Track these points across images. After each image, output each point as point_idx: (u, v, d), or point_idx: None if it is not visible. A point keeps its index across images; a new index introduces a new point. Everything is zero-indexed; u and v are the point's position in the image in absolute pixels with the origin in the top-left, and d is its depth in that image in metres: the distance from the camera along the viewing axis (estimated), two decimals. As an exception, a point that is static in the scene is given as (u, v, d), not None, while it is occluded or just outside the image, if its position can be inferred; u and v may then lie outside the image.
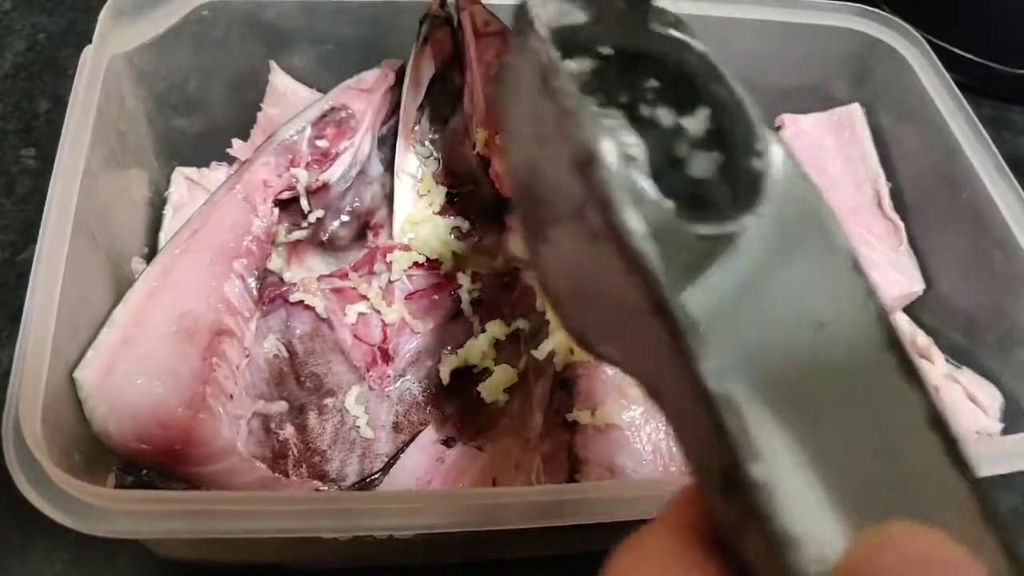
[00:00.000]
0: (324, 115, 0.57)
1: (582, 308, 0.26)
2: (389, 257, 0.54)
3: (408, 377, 0.52)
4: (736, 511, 0.19)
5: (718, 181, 0.23)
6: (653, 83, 0.24)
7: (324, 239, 0.57)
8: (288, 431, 0.49)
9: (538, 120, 0.24)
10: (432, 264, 0.55)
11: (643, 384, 0.24)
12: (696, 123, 0.24)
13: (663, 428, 0.46)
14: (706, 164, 0.23)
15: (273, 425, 0.49)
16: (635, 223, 0.20)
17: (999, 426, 0.53)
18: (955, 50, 0.77)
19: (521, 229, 0.28)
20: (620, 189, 0.20)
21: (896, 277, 0.59)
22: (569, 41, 0.24)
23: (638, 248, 0.20)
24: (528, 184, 0.25)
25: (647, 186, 0.21)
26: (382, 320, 0.53)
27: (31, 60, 0.72)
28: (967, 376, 0.55)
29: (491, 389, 0.50)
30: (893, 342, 0.21)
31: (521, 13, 0.24)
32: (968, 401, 0.54)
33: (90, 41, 0.50)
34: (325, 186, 0.56)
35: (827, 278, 0.23)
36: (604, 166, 0.21)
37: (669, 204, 0.21)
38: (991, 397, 0.54)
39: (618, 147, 0.21)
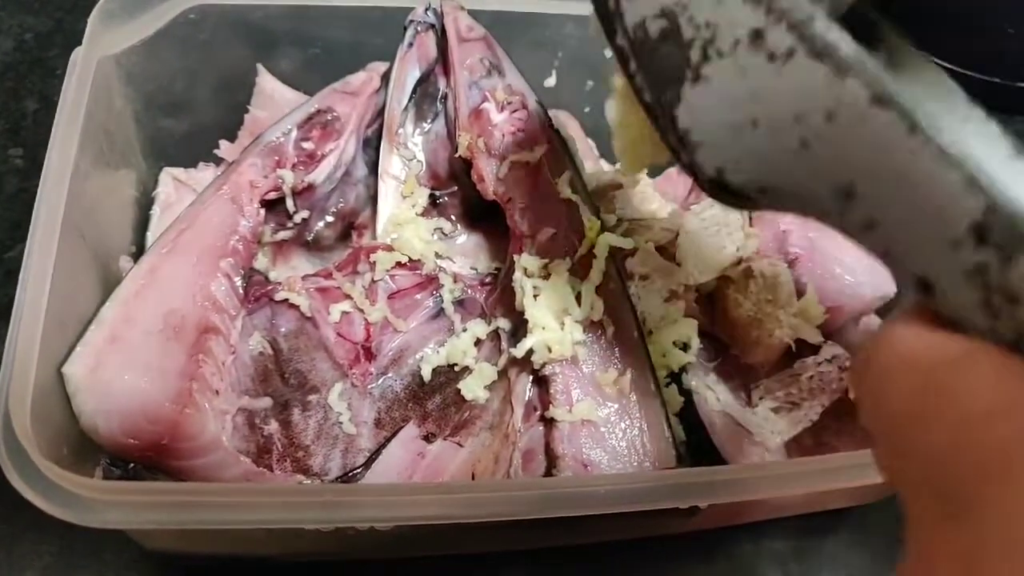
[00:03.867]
0: (310, 117, 0.58)
1: (735, 141, 0.29)
2: (373, 257, 0.55)
3: (390, 375, 0.53)
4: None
5: None
6: None
7: (309, 239, 0.58)
8: (272, 426, 0.50)
9: None
10: (415, 264, 0.56)
11: (798, 211, 0.29)
12: None
13: (637, 424, 0.47)
14: None
15: (258, 421, 0.50)
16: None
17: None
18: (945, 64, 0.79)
19: (644, 78, 0.32)
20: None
21: (870, 279, 0.60)
22: None
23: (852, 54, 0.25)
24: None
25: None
26: (365, 319, 0.54)
27: (18, 60, 0.73)
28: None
29: (471, 386, 0.51)
30: None
31: None
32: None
33: (77, 41, 0.51)
34: (310, 187, 0.57)
35: None
36: None
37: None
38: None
39: None
